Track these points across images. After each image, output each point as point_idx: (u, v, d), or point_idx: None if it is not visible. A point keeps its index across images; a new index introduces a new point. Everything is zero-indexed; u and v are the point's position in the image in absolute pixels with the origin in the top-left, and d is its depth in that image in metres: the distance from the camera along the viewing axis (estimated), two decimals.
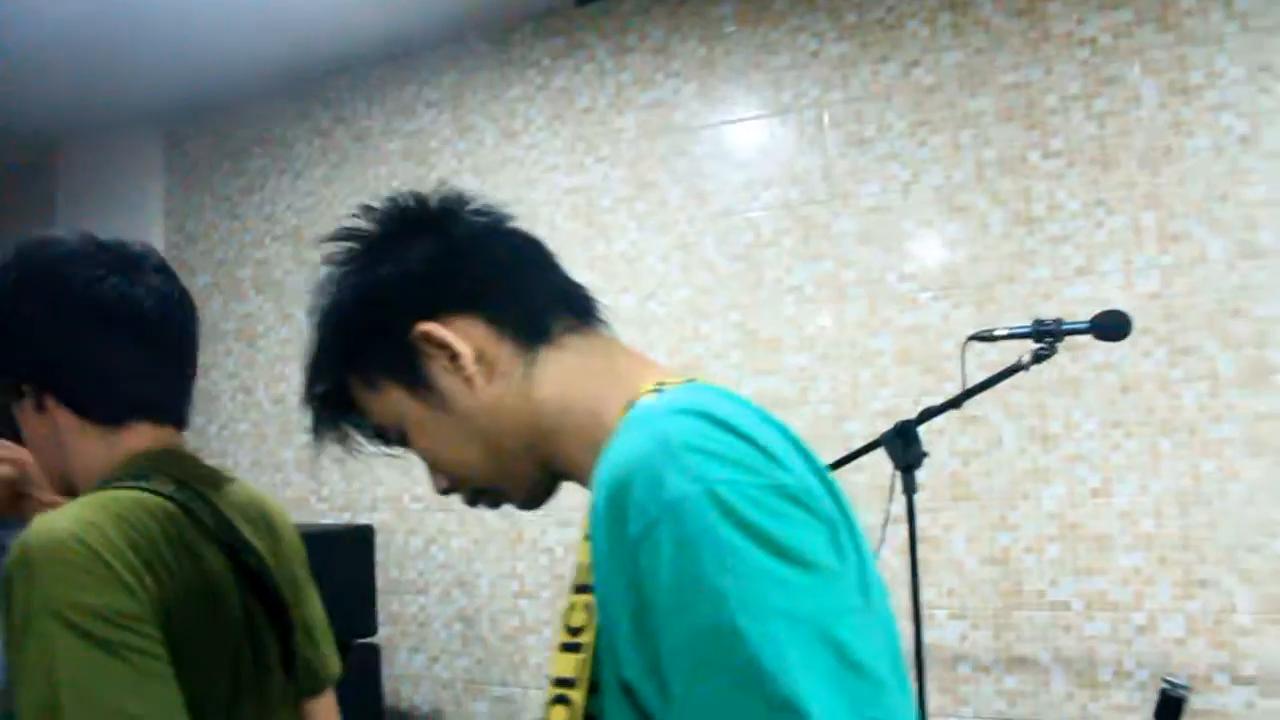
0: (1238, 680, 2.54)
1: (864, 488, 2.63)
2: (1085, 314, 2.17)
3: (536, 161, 3.34)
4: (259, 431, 3.84)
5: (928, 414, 2.29)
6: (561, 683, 0.89)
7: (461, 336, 1.00)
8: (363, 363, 1.04)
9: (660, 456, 0.81)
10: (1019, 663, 2.70)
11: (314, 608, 1.36)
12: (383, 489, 3.55)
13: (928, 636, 2.76)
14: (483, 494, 1.06)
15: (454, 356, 0.99)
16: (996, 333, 2.23)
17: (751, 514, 0.79)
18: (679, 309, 3.04)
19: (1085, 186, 2.69)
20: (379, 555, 3.28)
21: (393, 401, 1.03)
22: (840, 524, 0.87)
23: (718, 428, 0.84)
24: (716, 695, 0.77)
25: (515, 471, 1.03)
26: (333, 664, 1.39)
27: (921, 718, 2.24)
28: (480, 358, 1.00)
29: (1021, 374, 2.70)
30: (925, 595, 2.77)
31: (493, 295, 1.02)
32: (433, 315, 1.00)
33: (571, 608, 0.91)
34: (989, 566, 2.72)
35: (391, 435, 1.05)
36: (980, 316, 2.75)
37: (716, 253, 3.02)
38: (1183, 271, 2.61)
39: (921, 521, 2.70)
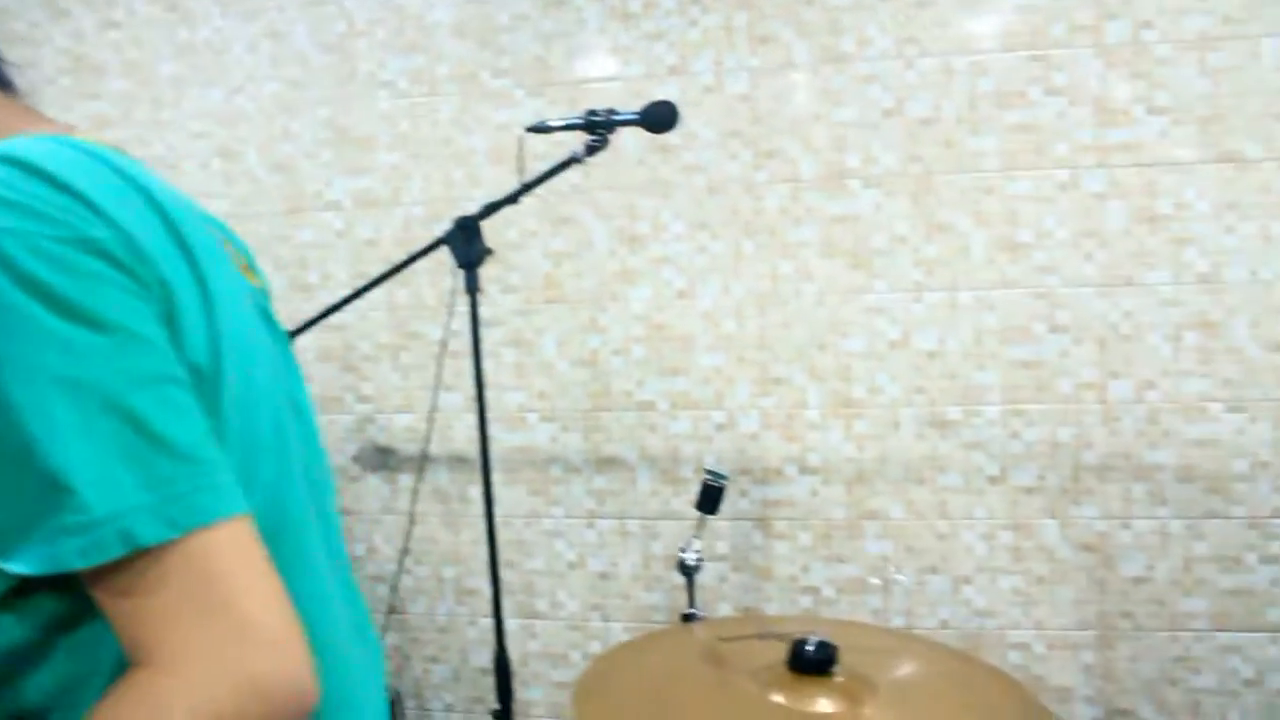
0: (805, 470, 2.66)
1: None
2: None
3: None
4: None
5: (489, 209, 2.20)
6: None
7: None
8: None
9: None
10: (608, 462, 2.73)
11: None
12: None
13: (519, 439, 2.75)
14: None
15: None
16: (551, 124, 2.15)
17: (38, 268, 0.70)
18: (268, 104, 2.83)
19: None
20: None
21: None
22: (185, 288, 0.79)
23: (28, 176, 0.73)
24: None
25: None
26: None
27: (490, 518, 2.22)
28: None
29: (615, 174, 2.67)
30: (517, 399, 2.75)
31: None
32: None
33: None
34: (579, 368, 2.72)
35: None
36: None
37: (308, 43, 2.81)
38: (770, 75, 2.61)
39: (515, 324, 2.66)
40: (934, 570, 2.65)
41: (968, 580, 2.64)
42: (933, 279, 2.59)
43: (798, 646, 1.73)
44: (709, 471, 2.23)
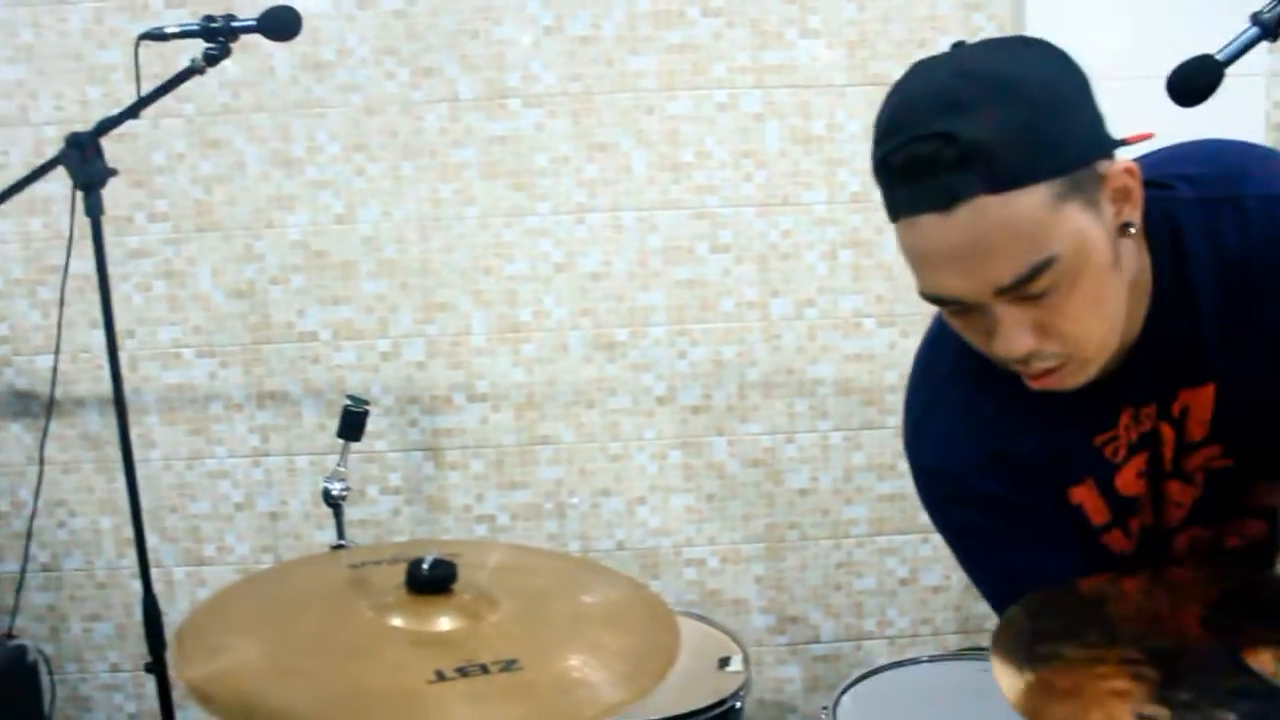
0: (474, 398, 2.61)
1: None
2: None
3: None
4: None
5: (105, 125, 2.04)
6: None
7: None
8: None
9: None
10: (271, 397, 2.62)
11: None
12: None
13: (175, 377, 2.60)
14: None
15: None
16: (168, 30, 2.01)
17: None
18: None
19: None
20: None
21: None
22: None
23: None
24: None
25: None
26: None
27: (129, 461, 2.08)
28: None
29: (266, 94, 2.53)
30: (171, 334, 2.59)
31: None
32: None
33: None
34: (236, 300, 2.59)
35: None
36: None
37: None
38: None
39: (165, 255, 2.51)
40: (607, 493, 2.65)
41: (641, 500, 2.66)
42: (595, 200, 2.57)
43: (413, 567, 1.67)
44: (350, 397, 2.16)
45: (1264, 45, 1.24)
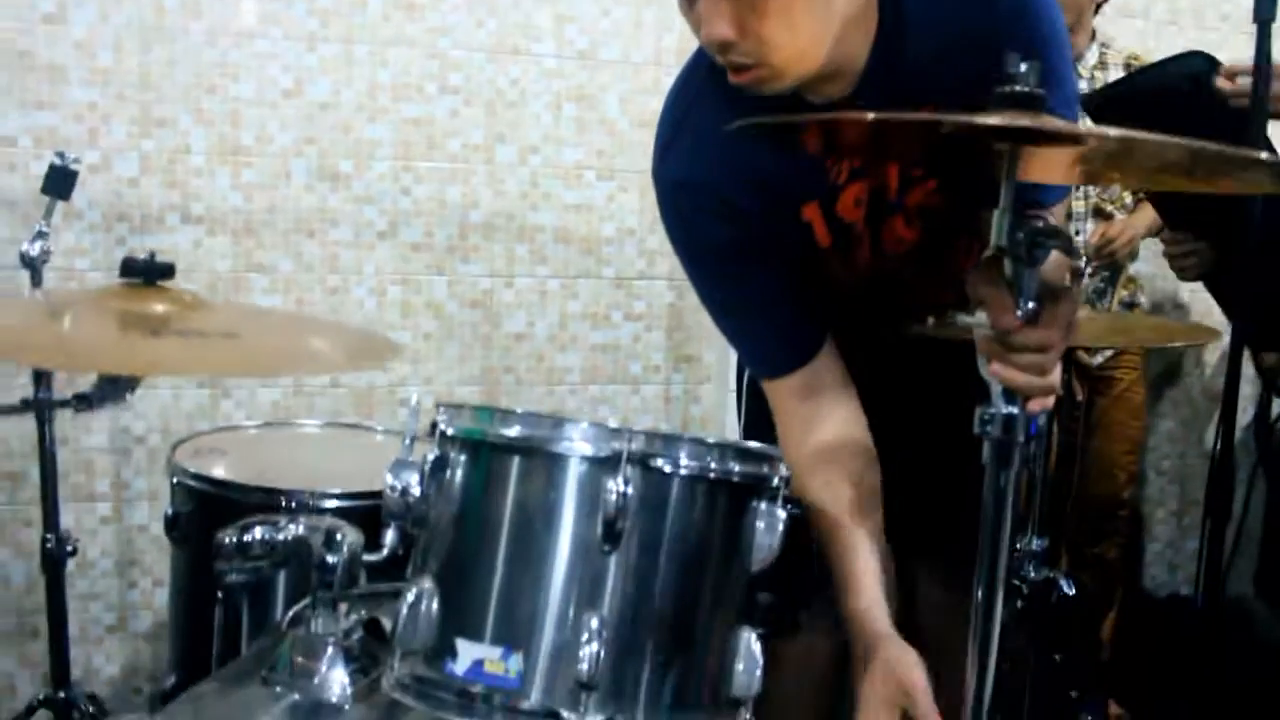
0: (189, 219, 2.56)
1: None
2: None
3: None
4: None
5: None
6: None
7: None
8: None
9: None
10: None
11: None
12: None
13: None
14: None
15: None
16: None
17: None
18: None
19: None
20: None
21: None
22: None
23: None
24: None
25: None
26: None
27: None
28: None
29: None
30: None
31: None
32: None
33: None
34: None
35: None
36: None
37: None
38: None
39: None
40: None
41: None
42: (328, 30, 2.58)
43: (128, 260, 1.61)
44: (58, 154, 2.05)
45: None
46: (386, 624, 1.23)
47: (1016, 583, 1.51)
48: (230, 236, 2.58)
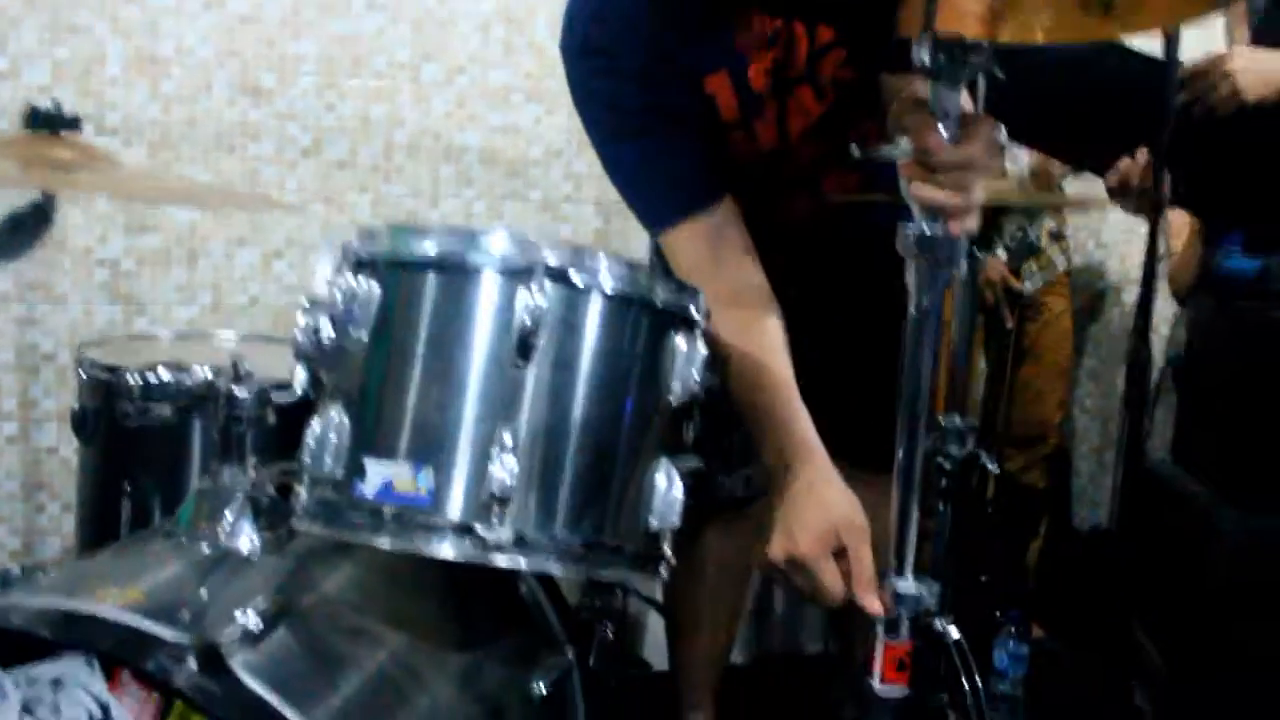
0: (103, 130, 2.47)
1: None
2: None
3: None
4: None
5: None
6: None
7: None
8: None
9: None
10: None
11: None
12: None
13: None
14: None
15: None
16: None
17: None
18: None
19: None
20: None
21: None
22: None
23: None
24: None
25: None
26: None
27: None
28: None
29: None
30: None
31: None
32: None
33: None
34: None
35: None
36: None
37: None
38: None
39: None
40: (243, 243, 2.58)
41: (279, 254, 2.61)
42: None
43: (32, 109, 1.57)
44: None
45: None
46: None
47: (939, 459, 1.51)
48: (147, 148, 2.50)
